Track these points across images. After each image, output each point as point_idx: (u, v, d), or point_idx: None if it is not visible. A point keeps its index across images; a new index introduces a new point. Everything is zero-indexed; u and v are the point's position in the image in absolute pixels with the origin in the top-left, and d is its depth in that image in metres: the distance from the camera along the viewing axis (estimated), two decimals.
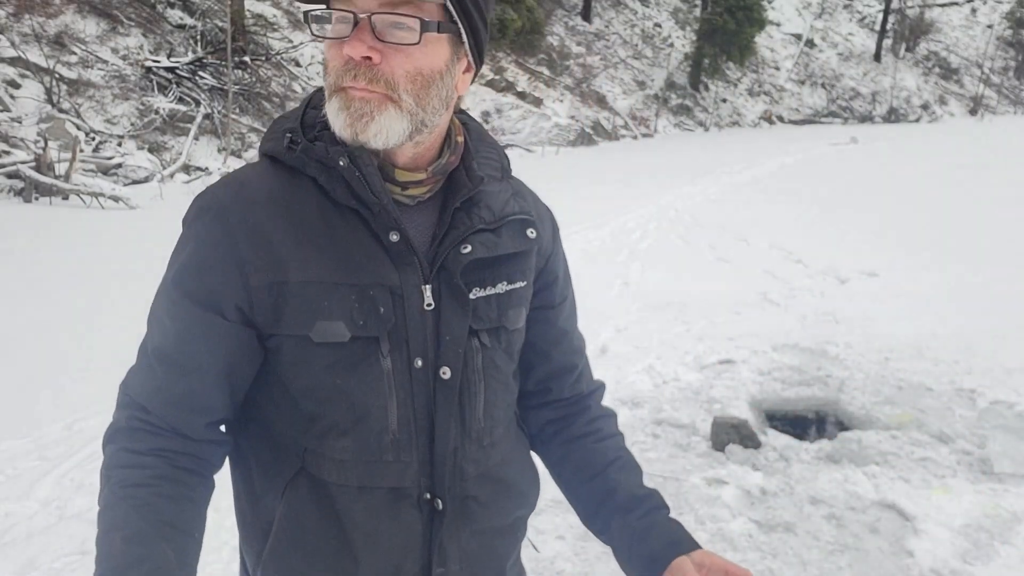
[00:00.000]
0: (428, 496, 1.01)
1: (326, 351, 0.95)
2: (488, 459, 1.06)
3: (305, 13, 0.94)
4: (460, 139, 1.05)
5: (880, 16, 39.11)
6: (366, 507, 0.99)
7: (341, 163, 0.94)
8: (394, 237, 0.96)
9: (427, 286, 0.98)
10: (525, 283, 1.09)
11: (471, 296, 1.01)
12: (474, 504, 1.05)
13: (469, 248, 1.00)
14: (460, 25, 0.93)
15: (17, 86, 13.30)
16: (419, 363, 0.98)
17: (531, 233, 1.09)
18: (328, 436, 0.98)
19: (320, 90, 1.02)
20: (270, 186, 0.97)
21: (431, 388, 0.99)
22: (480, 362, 1.03)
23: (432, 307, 0.98)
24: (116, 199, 10.63)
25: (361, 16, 0.88)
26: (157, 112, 14.60)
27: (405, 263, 0.97)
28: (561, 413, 1.22)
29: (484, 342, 1.04)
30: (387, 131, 0.92)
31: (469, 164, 1.04)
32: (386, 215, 0.95)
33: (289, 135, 0.99)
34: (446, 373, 0.99)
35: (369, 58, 0.88)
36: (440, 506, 1.02)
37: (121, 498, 0.92)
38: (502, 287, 1.04)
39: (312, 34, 0.94)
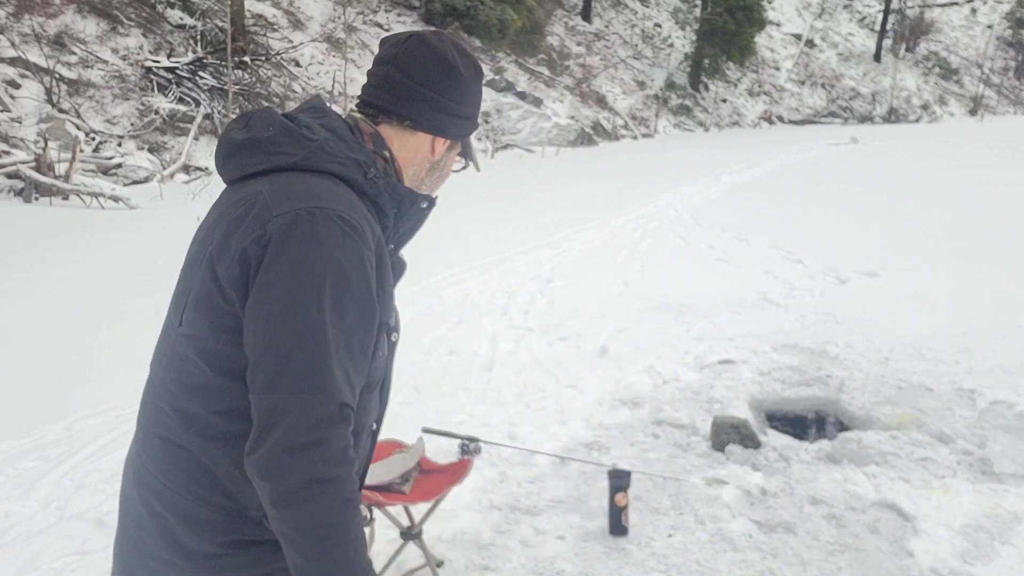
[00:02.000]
0: (375, 426, 1.33)
1: (394, 344, 1.32)
2: None
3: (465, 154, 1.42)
4: None
5: (880, 16, 39.12)
6: (368, 439, 1.31)
7: (423, 205, 1.30)
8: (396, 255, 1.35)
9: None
10: None
11: None
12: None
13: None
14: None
15: (17, 86, 13.29)
16: (395, 338, 1.31)
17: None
18: (369, 389, 1.26)
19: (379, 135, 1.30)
20: (365, 212, 1.20)
21: (392, 353, 1.34)
22: None
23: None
24: (116, 199, 10.62)
25: None
26: (157, 112, 14.60)
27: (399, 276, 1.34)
28: None
29: None
30: None
31: None
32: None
33: (362, 166, 1.21)
34: (395, 338, 1.32)
35: None
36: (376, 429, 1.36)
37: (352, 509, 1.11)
38: None
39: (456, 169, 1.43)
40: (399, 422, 3.85)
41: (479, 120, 1.35)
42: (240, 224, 1.14)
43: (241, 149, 1.24)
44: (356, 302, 1.11)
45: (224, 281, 1.13)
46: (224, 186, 1.31)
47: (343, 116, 1.30)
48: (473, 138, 1.36)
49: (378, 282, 1.16)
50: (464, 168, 1.42)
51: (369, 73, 1.32)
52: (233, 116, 15.57)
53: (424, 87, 1.27)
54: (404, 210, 1.25)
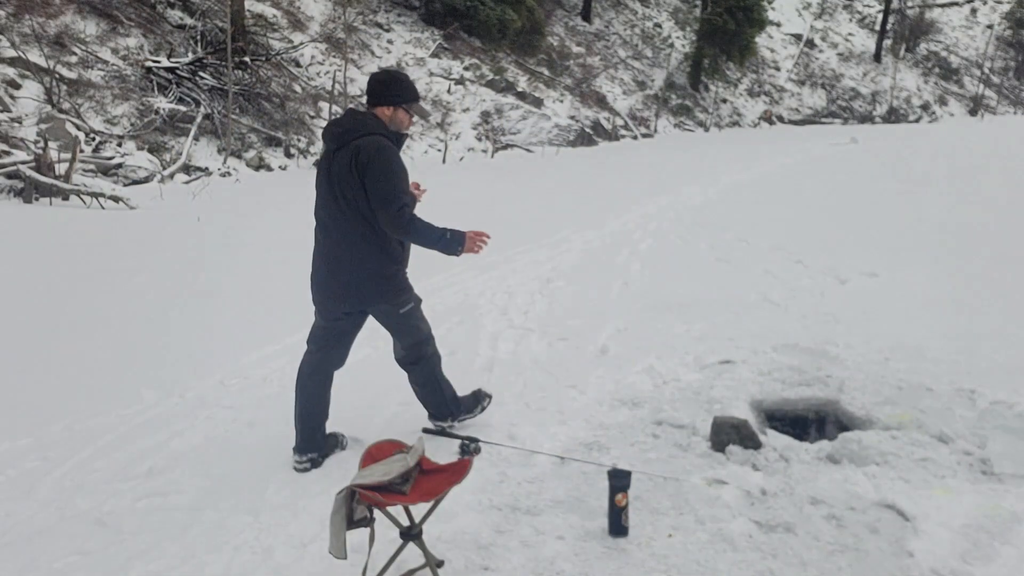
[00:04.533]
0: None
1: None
2: None
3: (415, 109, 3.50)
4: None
5: (880, 16, 39.09)
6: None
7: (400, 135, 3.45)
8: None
9: None
10: None
11: None
12: None
13: None
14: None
15: (17, 86, 13.29)
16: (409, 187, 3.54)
17: None
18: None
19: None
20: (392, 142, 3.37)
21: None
22: None
23: None
24: (116, 199, 10.63)
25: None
26: (157, 112, 14.60)
27: None
28: None
29: None
30: None
31: None
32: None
33: (387, 131, 3.36)
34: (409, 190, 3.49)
35: None
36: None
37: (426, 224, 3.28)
38: None
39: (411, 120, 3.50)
40: (399, 422, 3.85)
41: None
42: (359, 154, 3.16)
43: (346, 132, 3.25)
44: (401, 169, 3.24)
45: (359, 175, 3.17)
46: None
47: (362, 111, 3.37)
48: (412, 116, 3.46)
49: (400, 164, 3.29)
50: (412, 117, 3.46)
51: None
52: (233, 116, 15.62)
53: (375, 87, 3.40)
54: (399, 138, 3.38)
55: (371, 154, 3.15)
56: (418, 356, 3.64)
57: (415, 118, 3.49)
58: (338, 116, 3.44)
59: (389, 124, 3.34)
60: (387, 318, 3.51)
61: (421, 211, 3.36)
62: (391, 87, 3.36)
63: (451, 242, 3.27)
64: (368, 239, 3.27)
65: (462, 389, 4.33)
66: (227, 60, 15.67)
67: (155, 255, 7.83)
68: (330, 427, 3.66)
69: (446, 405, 3.74)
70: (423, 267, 7.51)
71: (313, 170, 16.16)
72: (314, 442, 3.51)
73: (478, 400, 3.87)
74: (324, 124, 17.47)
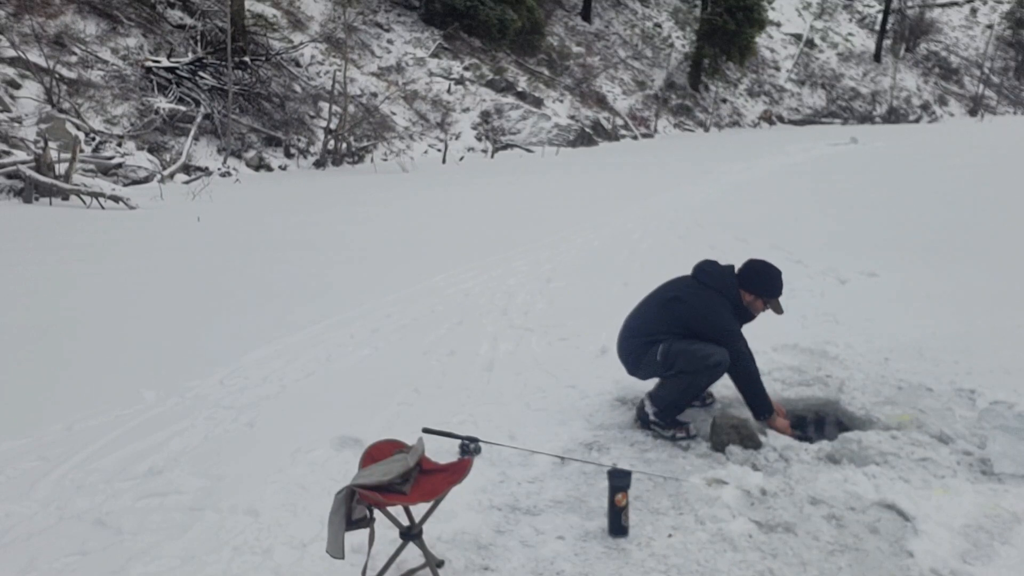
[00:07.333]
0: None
1: (741, 326, 3.86)
2: None
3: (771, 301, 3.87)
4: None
5: (880, 16, 39.10)
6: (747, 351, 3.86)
7: (746, 316, 3.95)
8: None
9: None
10: None
11: None
12: None
13: None
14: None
15: (17, 86, 13.30)
16: (741, 328, 3.81)
17: None
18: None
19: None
20: (727, 300, 3.80)
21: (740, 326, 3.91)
22: None
23: None
24: (116, 199, 10.63)
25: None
26: (157, 112, 14.60)
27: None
28: None
29: None
30: None
31: None
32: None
33: (730, 296, 3.81)
34: (740, 328, 3.85)
35: None
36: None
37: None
38: None
39: (779, 311, 3.94)
40: (399, 422, 3.85)
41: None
42: (693, 295, 3.79)
43: (702, 271, 3.88)
44: (729, 314, 3.72)
45: (684, 307, 3.78)
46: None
47: (732, 273, 3.85)
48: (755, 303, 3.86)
49: (735, 317, 3.77)
50: (766, 308, 3.86)
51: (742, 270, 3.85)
52: (233, 116, 15.62)
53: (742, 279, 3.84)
54: (743, 312, 3.82)
55: (701, 297, 3.73)
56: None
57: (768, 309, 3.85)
58: (712, 264, 3.87)
59: (745, 304, 3.77)
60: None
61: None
62: (760, 280, 3.77)
63: (766, 403, 3.70)
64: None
65: (463, 390, 4.34)
66: (227, 60, 15.68)
67: (155, 255, 7.83)
68: (329, 426, 3.66)
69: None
70: (423, 266, 7.57)
71: (313, 169, 16.24)
72: None
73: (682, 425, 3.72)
74: (324, 124, 17.64)
